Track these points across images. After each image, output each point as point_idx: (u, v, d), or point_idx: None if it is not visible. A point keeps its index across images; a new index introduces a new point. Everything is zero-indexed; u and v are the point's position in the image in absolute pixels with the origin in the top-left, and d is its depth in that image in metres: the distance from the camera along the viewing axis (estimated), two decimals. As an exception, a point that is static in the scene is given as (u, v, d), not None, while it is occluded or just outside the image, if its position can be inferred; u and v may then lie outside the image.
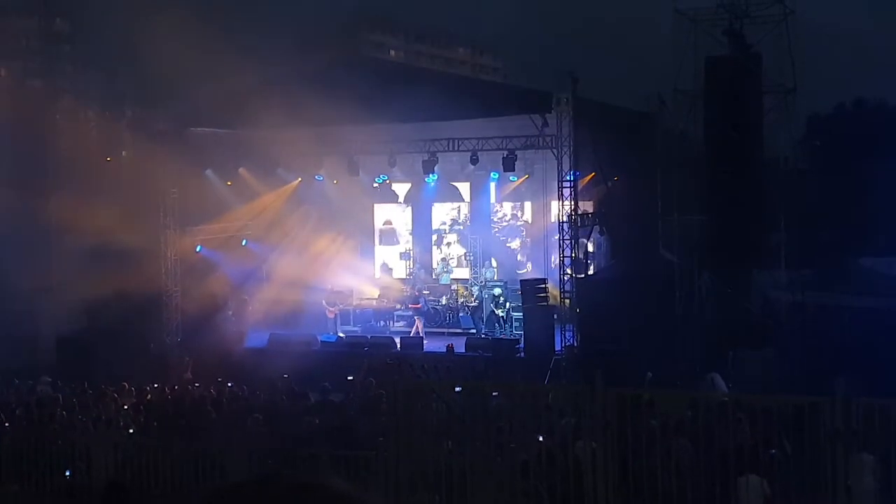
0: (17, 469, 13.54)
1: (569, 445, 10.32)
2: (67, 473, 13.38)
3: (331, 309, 29.18)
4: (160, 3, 29.88)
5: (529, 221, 31.63)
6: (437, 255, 32.44)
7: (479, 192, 31.68)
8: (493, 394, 11.65)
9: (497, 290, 28.44)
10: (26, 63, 41.65)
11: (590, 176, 27.37)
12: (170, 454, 13.02)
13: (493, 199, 31.82)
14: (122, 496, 11.32)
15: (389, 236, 32.74)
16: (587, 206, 27.16)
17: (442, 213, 32.50)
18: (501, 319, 27.88)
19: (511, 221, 32.05)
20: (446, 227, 32.35)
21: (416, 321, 28.53)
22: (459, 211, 32.35)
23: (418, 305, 29.09)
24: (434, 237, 32.52)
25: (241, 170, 30.21)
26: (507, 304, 27.94)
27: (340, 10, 71.26)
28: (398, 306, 30.09)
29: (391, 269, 32.54)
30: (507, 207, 32.19)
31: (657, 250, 26.76)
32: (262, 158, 29.59)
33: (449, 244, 32.35)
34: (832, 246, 27.42)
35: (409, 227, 32.81)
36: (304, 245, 30.61)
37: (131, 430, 17.99)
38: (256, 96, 24.85)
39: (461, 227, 32.13)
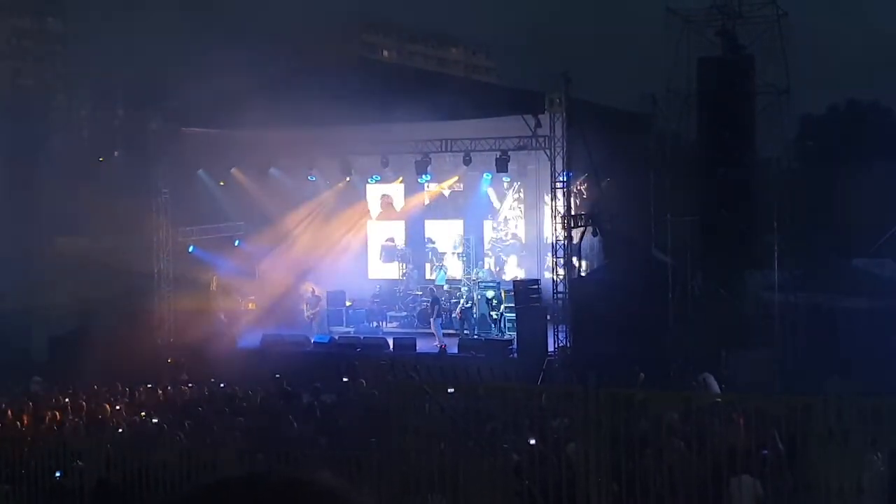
0: (8, 469, 13.48)
1: (561, 446, 10.32)
2: (58, 474, 13.31)
3: (309, 312, 29.06)
4: (153, 4, 29.86)
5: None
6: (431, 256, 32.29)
7: (472, 192, 31.58)
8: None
9: (490, 293, 28.31)
10: (19, 63, 41.60)
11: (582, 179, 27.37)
12: (161, 455, 12.97)
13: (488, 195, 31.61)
14: (111, 495, 11.30)
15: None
16: (580, 207, 27.19)
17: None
18: (495, 321, 27.79)
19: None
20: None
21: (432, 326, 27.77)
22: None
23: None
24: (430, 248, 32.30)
25: (233, 170, 30.15)
26: (501, 307, 27.85)
27: (334, 10, 71.15)
28: (396, 308, 30.02)
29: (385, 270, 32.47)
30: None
31: (650, 251, 26.79)
32: (255, 158, 29.55)
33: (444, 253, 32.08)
34: (824, 247, 27.46)
35: (404, 230, 32.70)
36: (296, 245, 30.55)
37: (122, 431, 17.94)
38: (249, 96, 24.83)
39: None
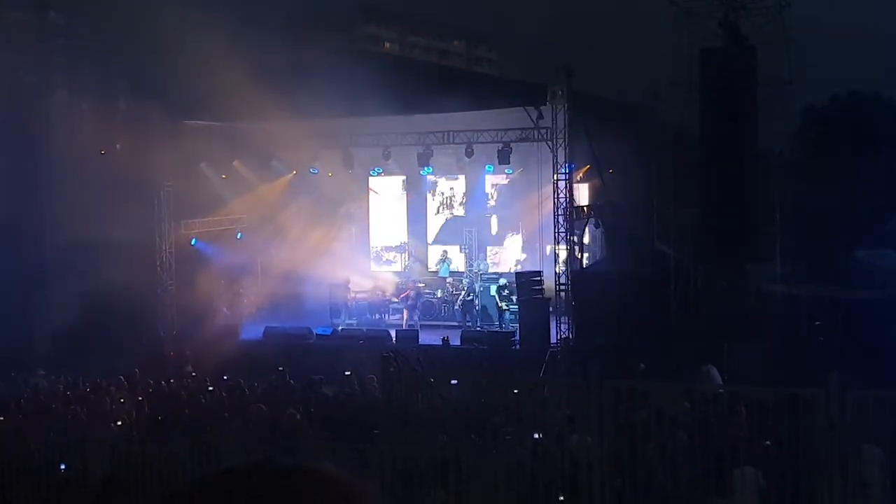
0: (13, 463, 13.51)
1: (564, 439, 10.32)
2: (62, 467, 13.34)
3: (406, 292, 29.22)
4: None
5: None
6: (434, 250, 32.26)
7: (474, 185, 31.59)
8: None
9: (502, 281, 28.27)
10: (19, 56, 41.50)
11: (584, 168, 27.37)
12: (166, 448, 12.99)
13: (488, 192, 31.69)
14: (117, 491, 11.32)
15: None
16: (582, 199, 27.17)
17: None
18: (505, 312, 27.71)
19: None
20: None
21: (405, 312, 28.82)
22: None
23: (407, 294, 29.20)
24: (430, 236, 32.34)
25: (235, 162, 30.17)
26: (513, 297, 27.85)
27: (335, 2, 71.13)
28: (394, 299, 30.07)
29: (386, 262, 32.51)
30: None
31: (652, 243, 26.79)
32: (257, 151, 29.56)
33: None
34: (826, 238, 27.45)
35: (404, 221, 32.72)
36: (298, 238, 30.58)
37: (126, 424, 17.96)
38: (251, 89, 24.81)
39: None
